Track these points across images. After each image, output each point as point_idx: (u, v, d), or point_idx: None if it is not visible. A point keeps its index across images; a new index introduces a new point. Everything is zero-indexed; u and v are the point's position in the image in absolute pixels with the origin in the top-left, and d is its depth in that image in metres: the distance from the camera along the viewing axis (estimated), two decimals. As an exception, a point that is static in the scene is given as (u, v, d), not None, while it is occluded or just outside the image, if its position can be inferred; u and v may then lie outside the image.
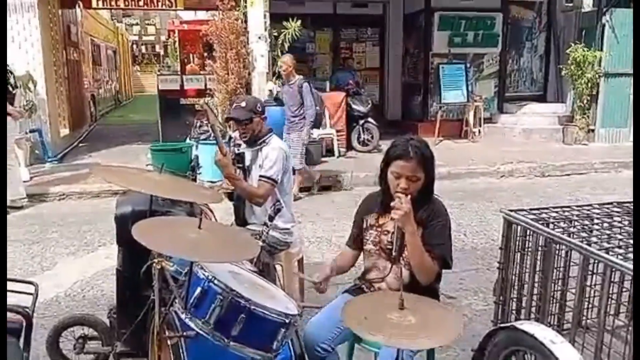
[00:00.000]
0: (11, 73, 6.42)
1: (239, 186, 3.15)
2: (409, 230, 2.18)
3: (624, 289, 2.44)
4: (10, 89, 6.28)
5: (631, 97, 9.47)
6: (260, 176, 3.17)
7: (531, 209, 2.54)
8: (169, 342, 1.99)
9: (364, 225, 2.45)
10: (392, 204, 2.18)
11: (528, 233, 2.43)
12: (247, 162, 3.31)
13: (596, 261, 2.13)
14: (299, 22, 7.73)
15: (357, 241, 2.49)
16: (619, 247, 2.11)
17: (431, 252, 2.23)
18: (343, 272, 2.57)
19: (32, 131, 8.15)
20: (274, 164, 3.16)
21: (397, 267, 2.31)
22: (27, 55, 8.07)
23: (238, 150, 3.39)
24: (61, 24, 10.82)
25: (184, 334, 1.91)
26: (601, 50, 9.55)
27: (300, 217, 3.54)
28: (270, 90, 7.49)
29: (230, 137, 3.46)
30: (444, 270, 2.38)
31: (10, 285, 2.27)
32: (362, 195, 2.62)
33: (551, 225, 2.37)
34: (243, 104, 3.23)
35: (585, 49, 9.48)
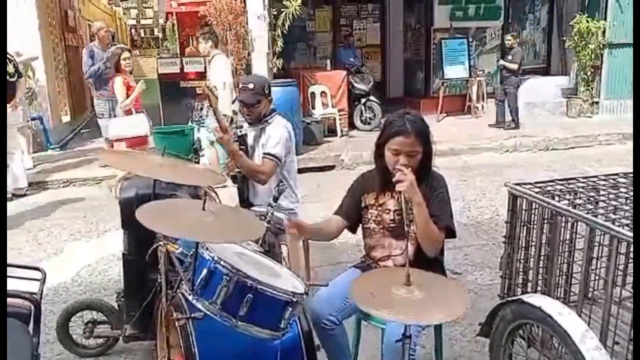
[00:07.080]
0: (10, 61, 6.29)
1: (242, 162, 3.13)
2: (416, 201, 2.17)
3: (630, 260, 2.43)
4: (9, 77, 6.16)
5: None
6: (264, 153, 3.15)
7: (536, 182, 2.52)
8: (177, 324, 2.01)
9: (362, 204, 2.45)
10: (394, 178, 2.17)
11: (533, 206, 2.41)
12: (250, 142, 3.29)
13: (602, 232, 2.11)
14: (299, 1, 7.63)
15: (349, 215, 2.48)
16: (625, 217, 2.09)
17: (437, 222, 2.25)
18: (319, 237, 2.56)
19: (33, 119, 8.13)
20: (278, 142, 3.15)
21: (404, 243, 2.31)
22: (25, 41, 7.98)
23: (240, 132, 3.37)
24: (58, 9, 10.72)
25: (192, 315, 1.92)
26: (605, 20, 9.41)
27: (302, 197, 3.53)
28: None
29: (233, 120, 3.44)
30: (449, 247, 2.39)
31: (17, 272, 2.28)
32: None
33: (557, 198, 2.35)
34: (251, 86, 3.17)
35: (589, 19, 9.33)
